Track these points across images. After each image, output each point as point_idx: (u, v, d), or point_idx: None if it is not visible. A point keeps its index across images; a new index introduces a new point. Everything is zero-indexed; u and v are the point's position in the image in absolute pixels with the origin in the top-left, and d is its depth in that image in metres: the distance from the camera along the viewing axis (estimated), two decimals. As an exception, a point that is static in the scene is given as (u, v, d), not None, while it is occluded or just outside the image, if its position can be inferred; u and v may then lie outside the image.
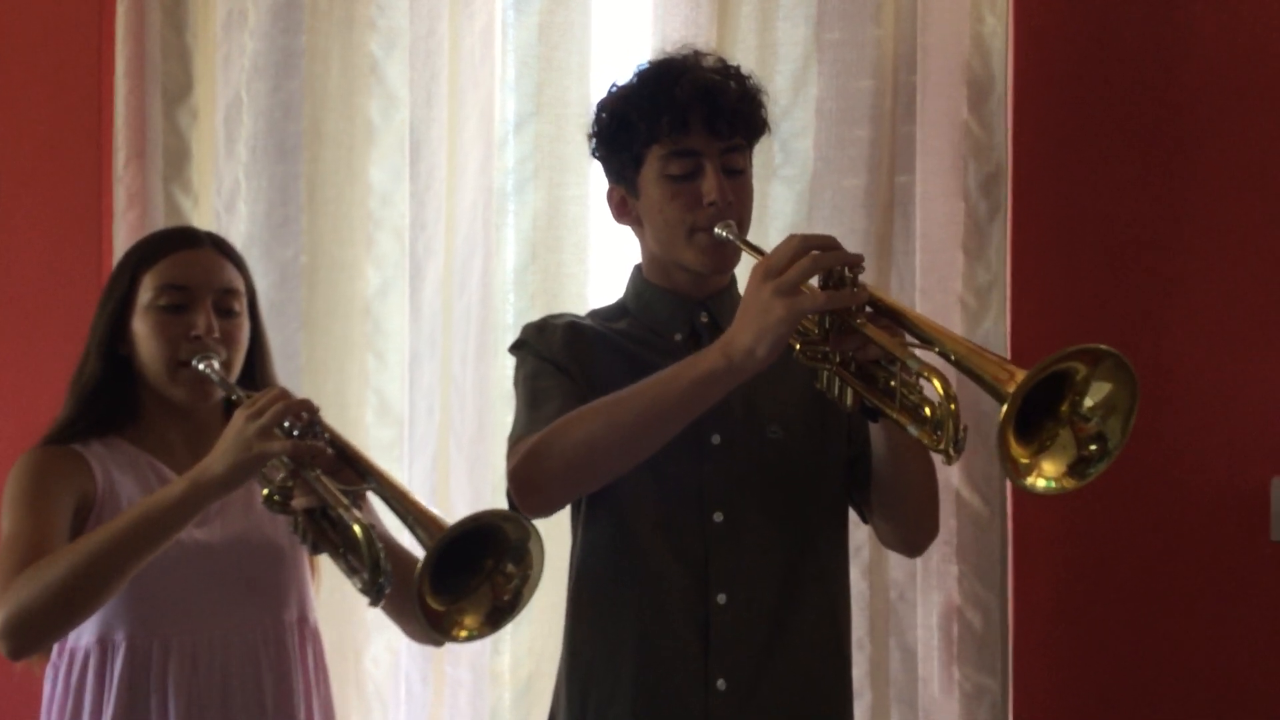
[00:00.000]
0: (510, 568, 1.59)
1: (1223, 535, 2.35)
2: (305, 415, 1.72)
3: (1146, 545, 2.38)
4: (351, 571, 1.67)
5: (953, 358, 1.47)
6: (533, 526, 1.59)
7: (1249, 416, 2.34)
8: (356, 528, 1.63)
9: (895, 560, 2.47)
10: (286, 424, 1.71)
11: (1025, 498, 2.41)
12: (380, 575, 1.63)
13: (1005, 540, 2.44)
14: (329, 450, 1.72)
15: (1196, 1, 2.37)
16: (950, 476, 2.38)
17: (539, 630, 2.56)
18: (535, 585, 1.60)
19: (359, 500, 1.72)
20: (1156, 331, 2.36)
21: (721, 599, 1.77)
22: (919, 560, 2.40)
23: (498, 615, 1.61)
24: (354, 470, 1.73)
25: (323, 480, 1.68)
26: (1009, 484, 2.41)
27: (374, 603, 1.66)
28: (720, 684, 1.76)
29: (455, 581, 1.59)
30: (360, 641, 2.59)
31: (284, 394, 1.75)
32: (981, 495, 2.41)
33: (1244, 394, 2.34)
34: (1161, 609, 2.38)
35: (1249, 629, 2.35)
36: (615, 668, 1.79)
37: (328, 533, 1.71)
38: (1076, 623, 2.41)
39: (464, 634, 1.60)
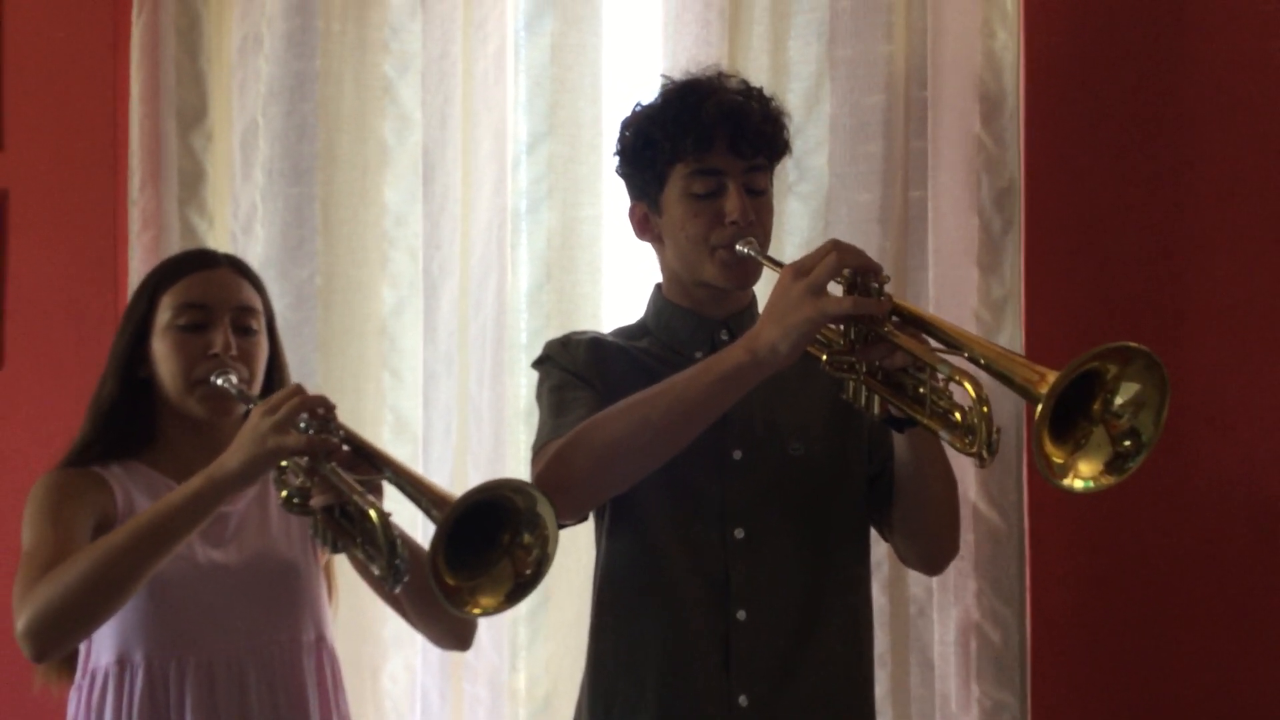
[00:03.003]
0: (527, 538, 1.58)
1: (1241, 547, 2.34)
2: (321, 411, 1.73)
3: (1164, 556, 2.37)
4: (369, 560, 1.67)
5: (982, 362, 1.48)
6: (539, 491, 1.58)
7: (1267, 428, 2.34)
8: (372, 512, 1.64)
9: (914, 576, 2.46)
10: (303, 424, 1.71)
11: (1042, 512, 2.40)
12: (397, 558, 1.63)
13: (1023, 555, 2.43)
14: (344, 447, 1.73)
15: (1206, 13, 2.38)
16: (967, 491, 2.38)
17: (556, 648, 2.55)
18: (554, 552, 1.58)
19: (375, 490, 1.72)
20: (1172, 343, 2.36)
21: (742, 615, 1.78)
22: (938, 576, 2.40)
23: (520, 590, 1.60)
24: (369, 464, 1.73)
25: (338, 471, 1.69)
26: (1026, 498, 2.42)
27: (393, 587, 1.66)
28: (742, 700, 1.77)
29: (475, 559, 1.58)
30: (377, 659, 2.59)
31: (300, 390, 1.75)
32: (999, 510, 2.41)
33: (1262, 405, 2.34)
34: (1180, 620, 2.37)
35: (1269, 642, 2.34)
36: (639, 681, 1.80)
37: (346, 528, 1.72)
38: (1094, 637, 2.41)
39: (478, 610, 1.60)
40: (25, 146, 2.72)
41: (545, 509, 1.57)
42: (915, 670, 2.49)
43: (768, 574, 1.79)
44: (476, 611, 1.60)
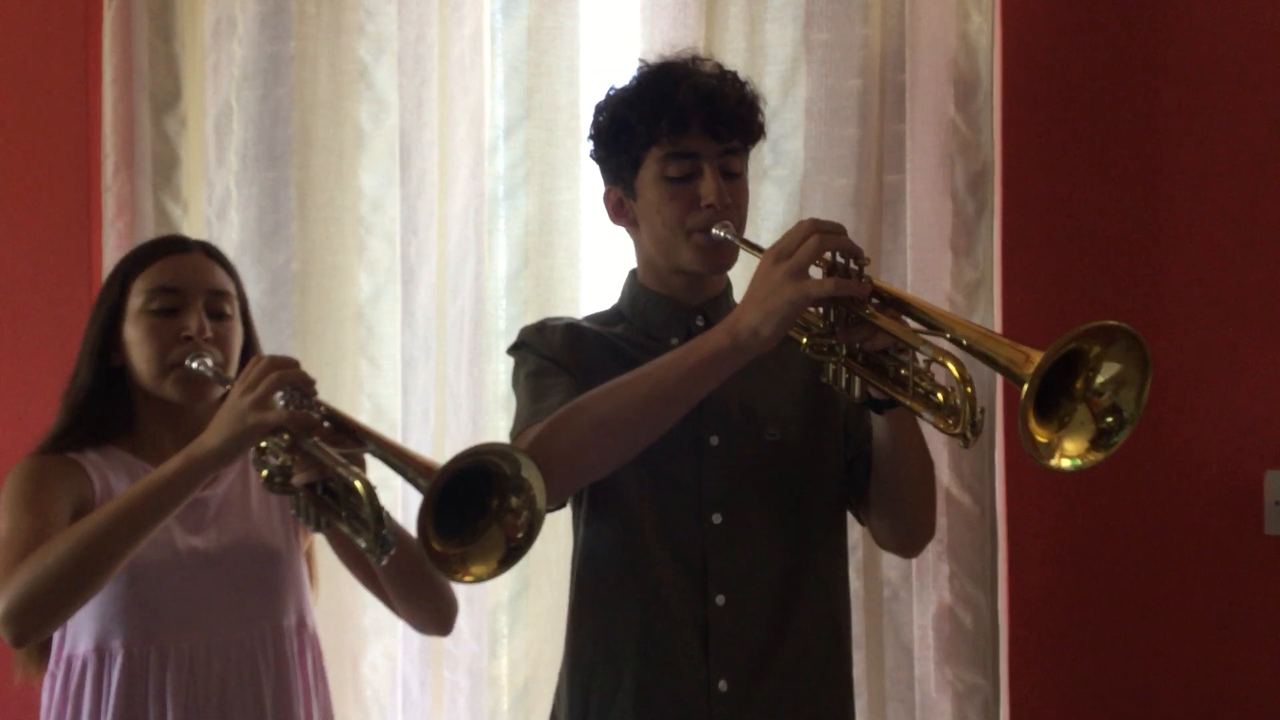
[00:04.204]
0: (514, 501, 1.57)
1: (1217, 529, 2.36)
2: (300, 387, 1.71)
3: (1141, 540, 2.39)
4: (355, 533, 1.66)
5: (964, 343, 1.48)
6: (523, 454, 1.56)
7: (1242, 411, 2.35)
8: (357, 483, 1.62)
9: (889, 559, 2.48)
10: (282, 400, 1.70)
11: (1018, 493, 2.41)
12: (384, 528, 1.61)
13: (995, 538, 2.45)
14: (324, 423, 1.71)
15: (1182, -2, 2.39)
16: (940, 474, 2.39)
17: (536, 634, 2.55)
18: (543, 510, 1.57)
19: (357, 463, 1.70)
20: (1147, 327, 2.31)
21: (720, 600, 1.77)
22: (912, 559, 2.41)
23: (512, 555, 1.58)
24: (351, 439, 1.71)
25: (320, 446, 1.67)
26: (999, 482, 2.43)
27: (380, 559, 1.64)
28: (721, 685, 1.77)
29: (464, 527, 1.57)
30: (357, 647, 2.59)
31: (275, 364, 1.73)
32: (971, 494, 2.42)
33: (1237, 389, 2.36)
34: (1156, 603, 2.39)
35: (1243, 623, 2.36)
36: (617, 668, 1.79)
37: (329, 504, 1.70)
38: (1071, 618, 2.42)
39: (470, 578, 1.58)
40: (-4, 132, 2.69)
41: (531, 472, 1.56)
42: (890, 653, 2.50)
43: (745, 559, 1.79)
44: (469, 579, 1.58)
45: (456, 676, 2.56)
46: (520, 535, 1.57)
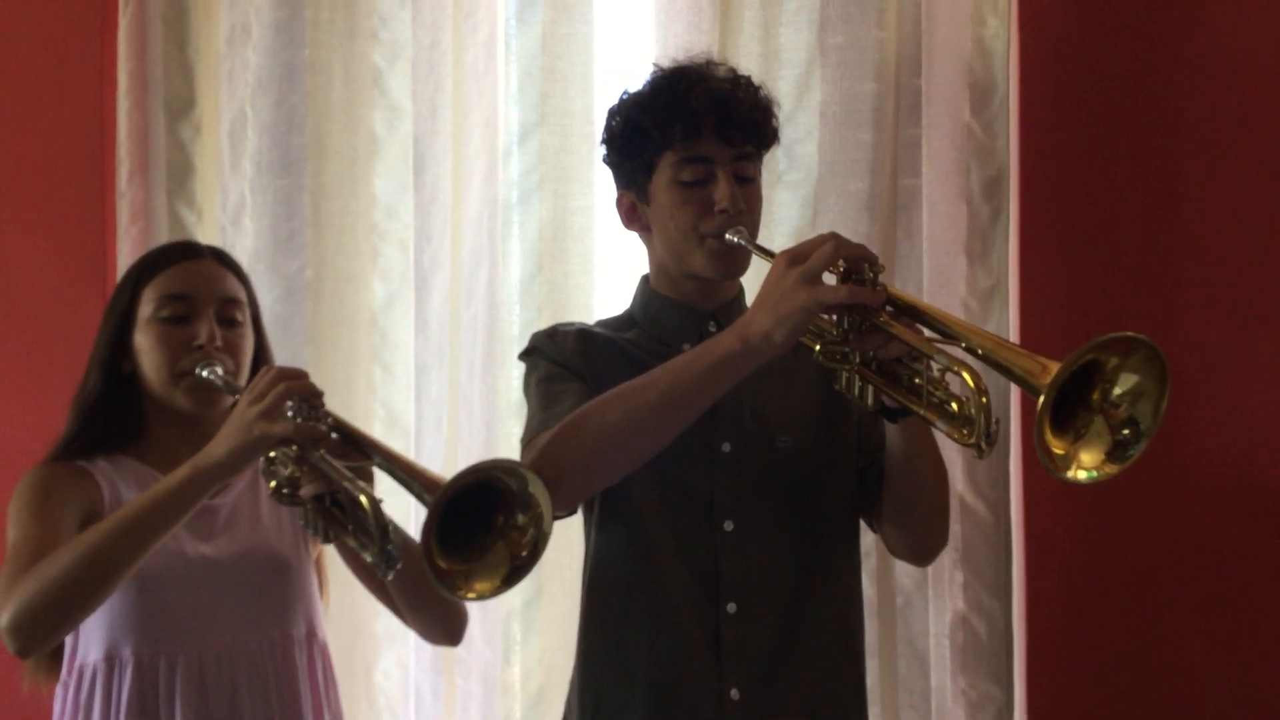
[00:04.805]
0: (521, 518, 1.56)
1: (1237, 537, 2.34)
2: (309, 398, 1.71)
3: (1159, 546, 2.37)
4: (362, 547, 1.65)
5: (980, 352, 1.46)
6: (529, 471, 1.56)
7: (1262, 418, 2.33)
8: (363, 498, 1.61)
9: (902, 567, 2.46)
10: (290, 411, 1.69)
11: (1036, 500, 2.40)
12: (389, 543, 1.60)
13: (1010, 546, 2.43)
14: (332, 435, 1.71)
15: (1200, 1, 2.37)
16: (954, 482, 2.37)
17: (549, 642, 2.55)
18: (549, 530, 1.56)
19: (365, 477, 1.70)
20: (1165, 333, 2.35)
21: (731, 608, 1.76)
22: (927, 567, 2.39)
23: (516, 573, 1.57)
24: (358, 451, 1.71)
25: (327, 459, 1.67)
26: (1015, 489, 2.41)
27: (385, 574, 1.64)
28: (733, 693, 1.75)
29: (469, 543, 1.56)
30: (370, 655, 2.59)
31: (283, 375, 1.72)
32: (986, 502, 2.41)
33: (1257, 392, 2.34)
34: (1174, 611, 2.37)
35: (1264, 632, 2.34)
36: (628, 676, 1.78)
37: (337, 517, 1.70)
38: (1087, 627, 2.40)
39: (473, 595, 1.57)
40: (12, 139, 2.70)
41: (538, 488, 1.55)
42: (904, 662, 2.49)
43: (757, 566, 1.78)
44: (471, 596, 1.57)
45: (469, 684, 2.55)
46: (525, 553, 1.56)
